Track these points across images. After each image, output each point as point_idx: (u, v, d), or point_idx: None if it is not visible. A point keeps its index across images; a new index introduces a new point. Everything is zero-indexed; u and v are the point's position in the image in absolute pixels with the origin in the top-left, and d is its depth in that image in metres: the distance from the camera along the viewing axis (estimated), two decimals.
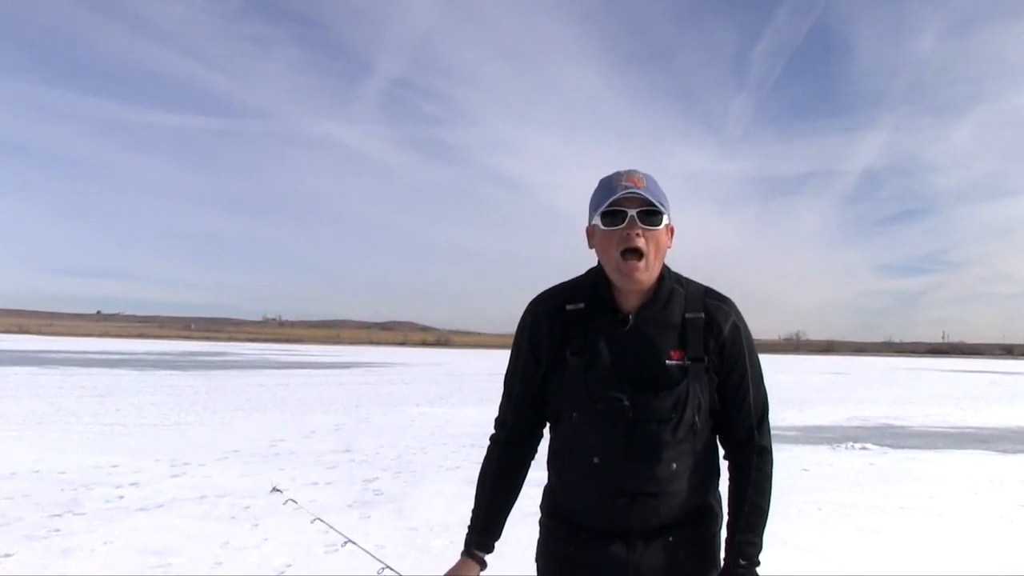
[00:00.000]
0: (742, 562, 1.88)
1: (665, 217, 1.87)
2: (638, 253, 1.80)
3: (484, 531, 1.99)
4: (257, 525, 5.98)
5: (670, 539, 1.91)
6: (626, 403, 1.83)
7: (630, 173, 1.89)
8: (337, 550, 5.33)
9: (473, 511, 2.02)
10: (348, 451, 10.31)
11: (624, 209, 1.83)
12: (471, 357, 75.77)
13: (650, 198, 1.82)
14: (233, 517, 6.26)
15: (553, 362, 1.93)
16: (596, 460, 1.86)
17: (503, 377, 2.05)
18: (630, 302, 1.89)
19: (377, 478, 8.27)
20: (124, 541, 5.45)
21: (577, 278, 2.02)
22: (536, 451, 2.04)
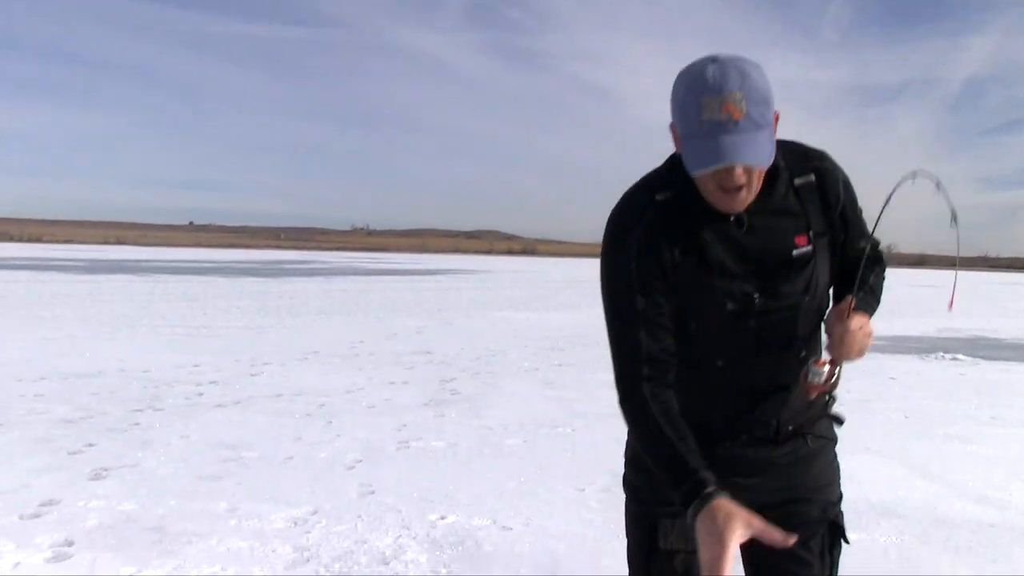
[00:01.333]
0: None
1: (771, 139, 1.53)
2: (739, 189, 1.51)
3: (700, 467, 1.49)
4: (331, 422, 6.03)
5: (806, 437, 1.75)
6: (756, 297, 1.61)
7: (722, 95, 1.43)
8: (408, 446, 5.32)
9: (667, 464, 1.53)
10: (428, 352, 10.35)
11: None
12: (556, 265, 75.95)
13: (753, 154, 1.46)
14: (308, 414, 6.32)
15: (660, 268, 1.63)
16: (720, 363, 1.66)
17: (606, 321, 1.66)
18: None
19: (455, 379, 8.26)
20: (200, 435, 5.56)
21: (657, 169, 1.70)
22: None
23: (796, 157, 1.71)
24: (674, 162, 1.63)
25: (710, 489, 1.41)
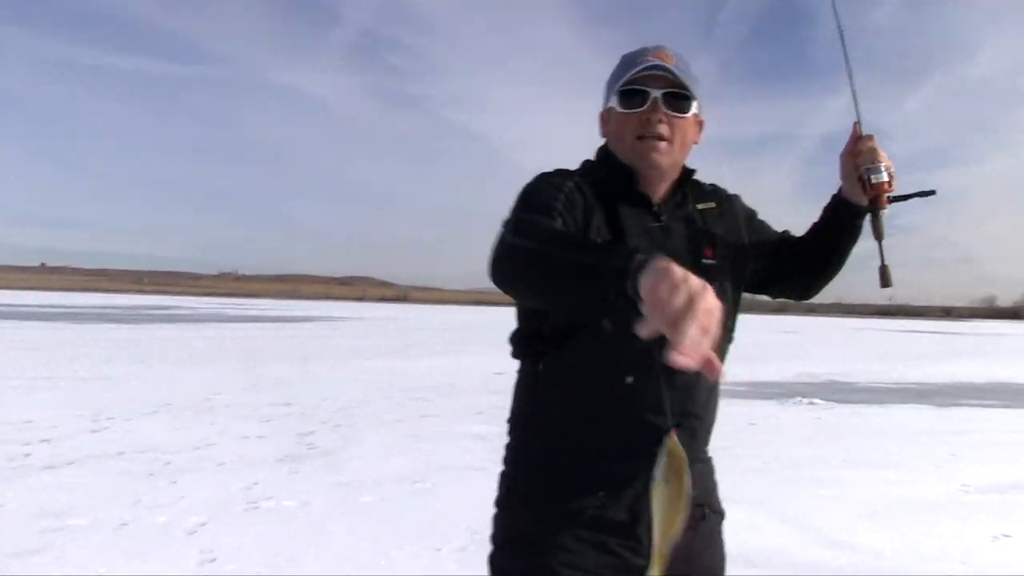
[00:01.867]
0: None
1: (695, 104, 1.62)
2: (659, 137, 1.57)
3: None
4: (175, 482, 5.67)
5: (705, 475, 1.68)
6: None
7: (658, 48, 1.62)
8: (257, 507, 5.06)
9: (583, 251, 1.28)
10: (288, 404, 9.99)
11: (646, 89, 1.57)
12: (430, 312, 75.59)
13: (680, 77, 1.56)
14: (151, 474, 5.93)
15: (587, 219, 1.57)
16: (630, 380, 1.51)
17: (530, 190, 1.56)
18: (655, 191, 1.64)
19: (314, 432, 7.98)
20: (19, 503, 5.07)
21: (582, 164, 1.71)
22: None
23: (696, 187, 1.75)
24: (594, 159, 1.70)
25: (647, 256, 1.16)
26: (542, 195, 1.53)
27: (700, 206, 1.70)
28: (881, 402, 12.11)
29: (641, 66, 1.56)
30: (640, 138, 1.57)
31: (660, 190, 1.64)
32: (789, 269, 1.84)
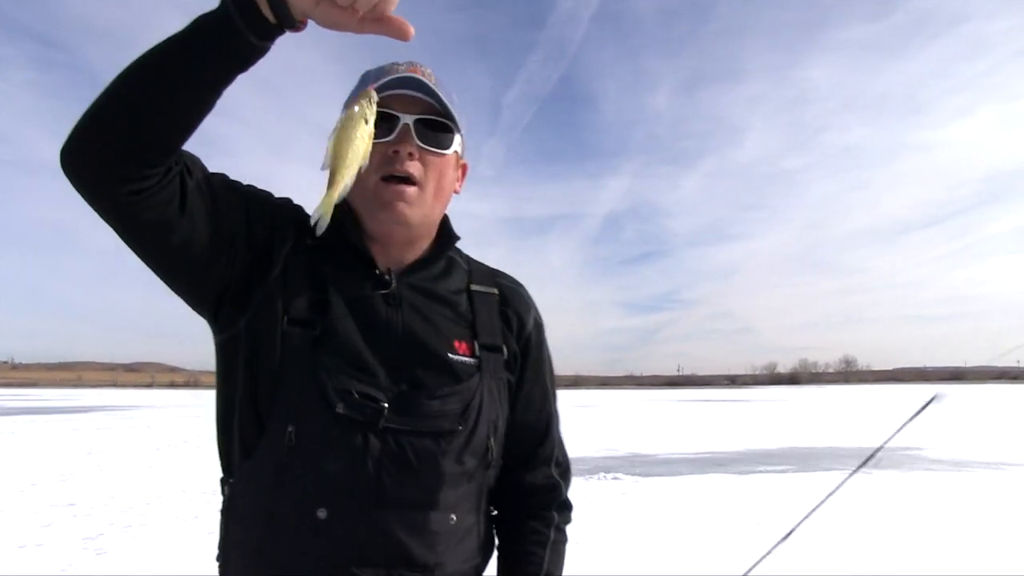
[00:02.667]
0: None
1: (457, 138, 1.29)
2: (408, 180, 1.23)
3: None
4: None
5: None
6: (384, 404, 1.16)
7: (413, 64, 1.28)
8: None
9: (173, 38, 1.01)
10: (72, 505, 9.01)
11: (395, 113, 1.21)
12: None
13: (440, 100, 1.23)
14: None
15: (264, 301, 1.21)
16: (323, 514, 1.15)
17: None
18: (391, 254, 1.29)
19: (102, 534, 7.21)
20: None
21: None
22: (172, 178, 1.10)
23: (484, 270, 1.43)
24: None
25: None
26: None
27: (476, 287, 1.37)
28: (682, 473, 12.54)
29: (389, 78, 1.21)
30: (383, 180, 1.22)
31: (399, 251, 1.30)
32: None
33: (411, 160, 1.22)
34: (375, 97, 1.09)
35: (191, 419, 30.77)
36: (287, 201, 1.32)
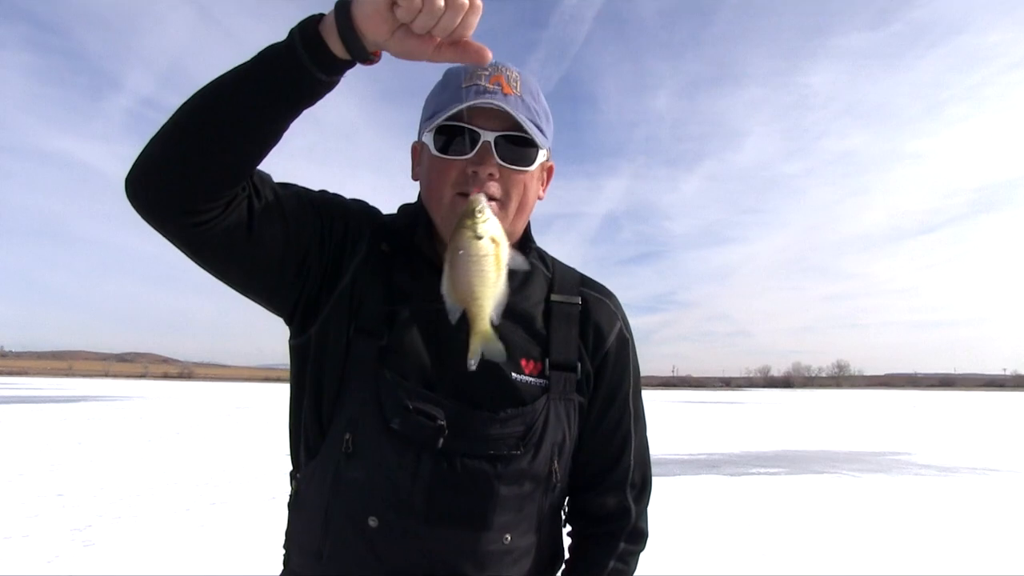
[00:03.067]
0: None
1: (543, 152, 1.22)
2: (488, 198, 1.15)
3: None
4: None
5: None
6: (441, 423, 1.15)
7: (497, 69, 1.19)
8: None
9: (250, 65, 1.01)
10: (60, 495, 8.97)
11: (475, 129, 1.15)
12: (216, 390, 71.55)
13: (522, 116, 1.15)
14: None
15: (333, 310, 1.22)
16: (374, 522, 1.15)
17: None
18: None
19: (90, 526, 7.18)
20: None
21: (388, 215, 1.36)
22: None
23: (568, 275, 1.36)
24: (401, 217, 1.32)
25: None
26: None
27: (556, 297, 1.29)
28: (675, 474, 12.53)
29: (469, 95, 1.14)
30: (462, 195, 1.17)
31: None
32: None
33: (491, 180, 1.17)
34: (484, 217, 1.00)
35: (184, 411, 30.73)
36: (362, 205, 1.32)
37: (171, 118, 1.01)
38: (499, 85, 1.16)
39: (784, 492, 10.34)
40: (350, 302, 1.21)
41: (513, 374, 1.20)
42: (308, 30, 0.95)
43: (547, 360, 1.24)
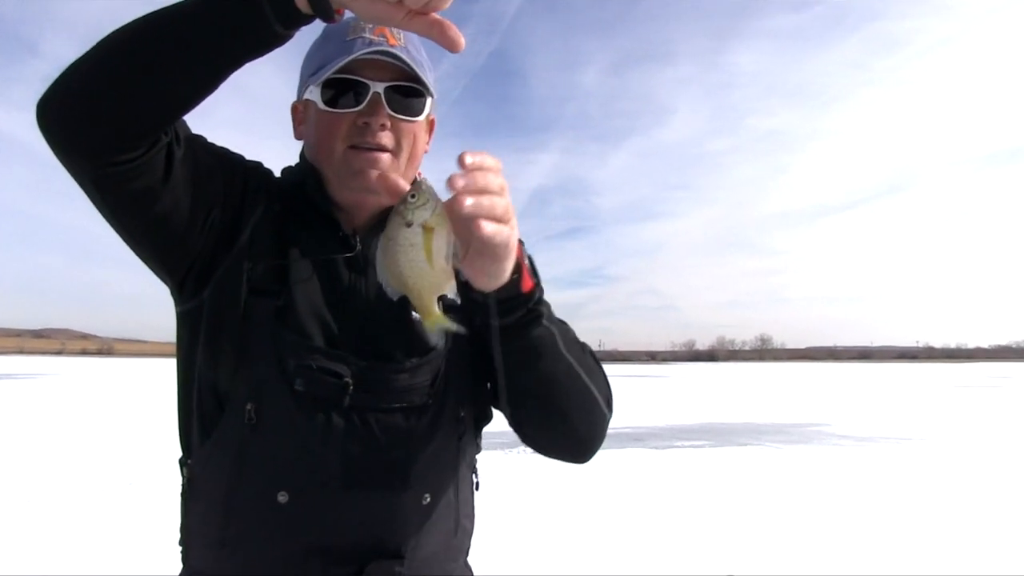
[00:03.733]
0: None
1: (429, 101, 1.21)
2: (380, 149, 1.15)
3: None
4: None
5: None
6: (347, 380, 1.09)
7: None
8: None
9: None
10: None
11: (364, 80, 1.13)
12: (135, 366, 69.75)
13: (411, 65, 1.13)
14: None
15: (228, 270, 1.13)
16: (283, 498, 1.07)
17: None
18: (357, 216, 1.21)
19: None
20: None
21: (275, 178, 1.29)
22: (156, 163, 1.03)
23: None
24: (288, 175, 1.27)
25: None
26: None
27: None
28: (601, 448, 12.67)
29: (356, 46, 1.12)
30: (353, 148, 1.15)
31: (368, 219, 1.21)
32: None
33: (383, 131, 1.15)
34: (416, 203, 0.86)
35: (101, 389, 29.76)
36: (258, 165, 1.26)
37: (102, 45, 0.91)
38: (383, 36, 1.15)
39: (709, 464, 10.49)
40: (247, 260, 1.14)
41: (414, 314, 1.10)
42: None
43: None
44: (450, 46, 0.86)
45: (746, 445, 12.83)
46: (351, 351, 1.12)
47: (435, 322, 0.90)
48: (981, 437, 13.89)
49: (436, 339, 0.94)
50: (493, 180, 0.85)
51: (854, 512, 7.10)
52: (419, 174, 1.25)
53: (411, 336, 1.15)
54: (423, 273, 0.86)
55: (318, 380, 1.08)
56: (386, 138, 1.15)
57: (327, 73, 1.12)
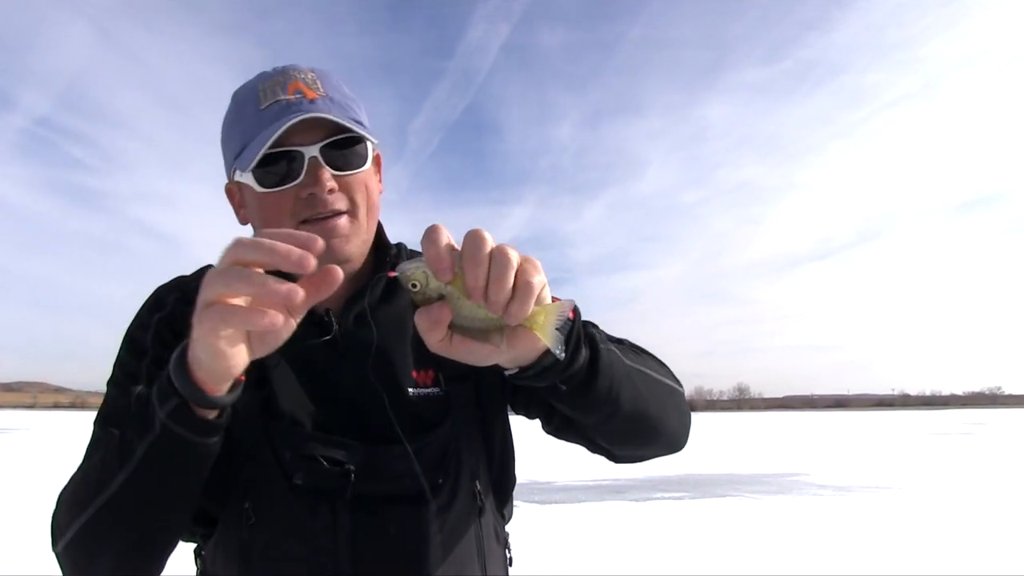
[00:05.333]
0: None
1: (368, 145, 1.07)
2: (336, 214, 1.03)
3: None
4: None
5: None
6: (349, 466, 1.01)
7: (287, 74, 1.06)
8: None
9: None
10: None
11: (294, 149, 1.00)
12: None
13: (337, 117, 1.01)
14: None
15: None
16: None
17: (101, 413, 1.10)
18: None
19: None
20: None
21: (196, 274, 1.17)
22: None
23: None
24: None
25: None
26: (117, 382, 1.08)
27: None
28: (580, 500, 12.51)
29: (272, 116, 1.01)
30: (305, 222, 1.01)
31: (339, 289, 0.97)
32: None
33: (332, 195, 1.02)
34: (412, 277, 0.78)
35: (72, 444, 29.11)
36: (155, 311, 1.12)
37: (79, 534, 0.97)
38: (300, 92, 1.03)
39: (688, 517, 10.43)
40: None
41: (410, 390, 1.07)
42: (174, 413, 0.83)
43: (440, 373, 1.11)
44: (326, 292, 0.77)
45: (725, 496, 12.76)
46: (351, 431, 1.04)
47: (548, 333, 0.80)
48: (957, 485, 13.91)
49: (559, 349, 0.80)
50: (498, 263, 0.75)
51: (835, 561, 7.09)
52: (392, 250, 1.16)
53: (409, 410, 1.06)
54: (473, 310, 0.78)
55: (318, 471, 1.00)
56: (338, 201, 1.03)
57: (252, 158, 0.99)
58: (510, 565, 1.22)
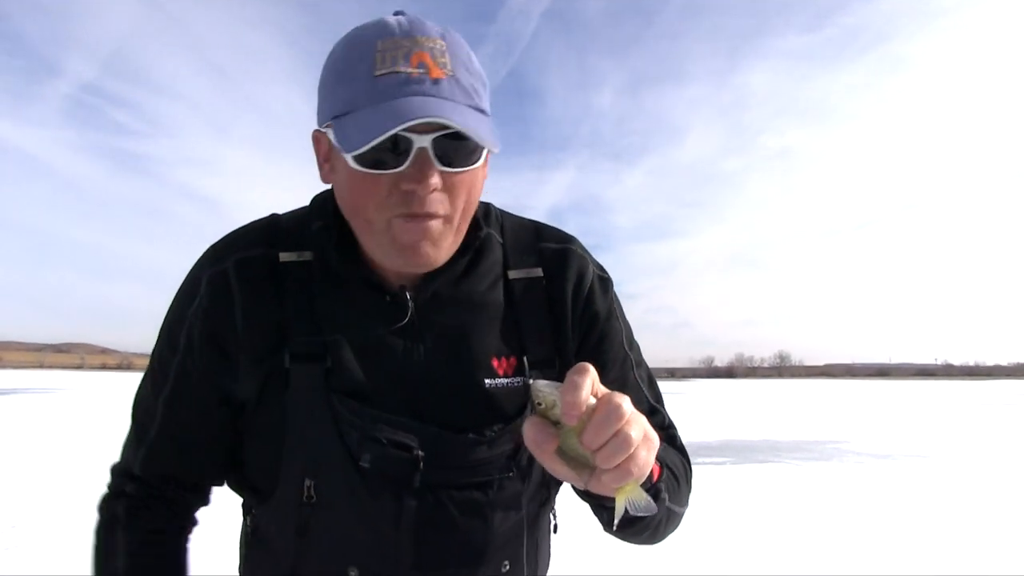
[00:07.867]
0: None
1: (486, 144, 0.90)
2: (431, 216, 0.90)
3: None
4: None
5: None
6: (418, 452, 0.95)
7: (413, 39, 0.87)
8: None
9: None
10: None
11: (406, 135, 0.84)
12: None
13: (464, 116, 0.85)
14: None
15: (257, 375, 0.98)
16: (355, 573, 0.98)
17: (135, 398, 1.10)
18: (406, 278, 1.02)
19: (8, 550, 6.77)
20: None
21: (291, 213, 1.07)
22: (191, 528, 1.13)
23: (522, 236, 1.09)
24: (311, 211, 1.04)
25: None
26: (148, 390, 1.07)
27: (513, 273, 1.05)
28: None
29: (391, 90, 0.84)
30: (401, 217, 0.90)
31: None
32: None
33: (433, 193, 0.88)
34: (543, 406, 0.78)
35: (119, 404, 29.85)
36: (207, 298, 1.02)
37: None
38: (424, 67, 0.86)
39: (730, 482, 10.38)
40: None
41: (487, 381, 1.00)
42: None
43: (524, 357, 1.03)
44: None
45: (766, 463, 12.69)
46: (420, 415, 0.98)
47: (623, 503, 0.81)
48: (999, 455, 13.68)
49: (623, 515, 0.80)
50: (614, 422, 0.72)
51: (874, 529, 7.02)
52: None
53: (485, 400, 1.00)
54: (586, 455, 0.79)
55: (386, 455, 0.94)
56: (438, 203, 0.90)
57: (356, 140, 0.84)
58: (555, 532, 1.22)
